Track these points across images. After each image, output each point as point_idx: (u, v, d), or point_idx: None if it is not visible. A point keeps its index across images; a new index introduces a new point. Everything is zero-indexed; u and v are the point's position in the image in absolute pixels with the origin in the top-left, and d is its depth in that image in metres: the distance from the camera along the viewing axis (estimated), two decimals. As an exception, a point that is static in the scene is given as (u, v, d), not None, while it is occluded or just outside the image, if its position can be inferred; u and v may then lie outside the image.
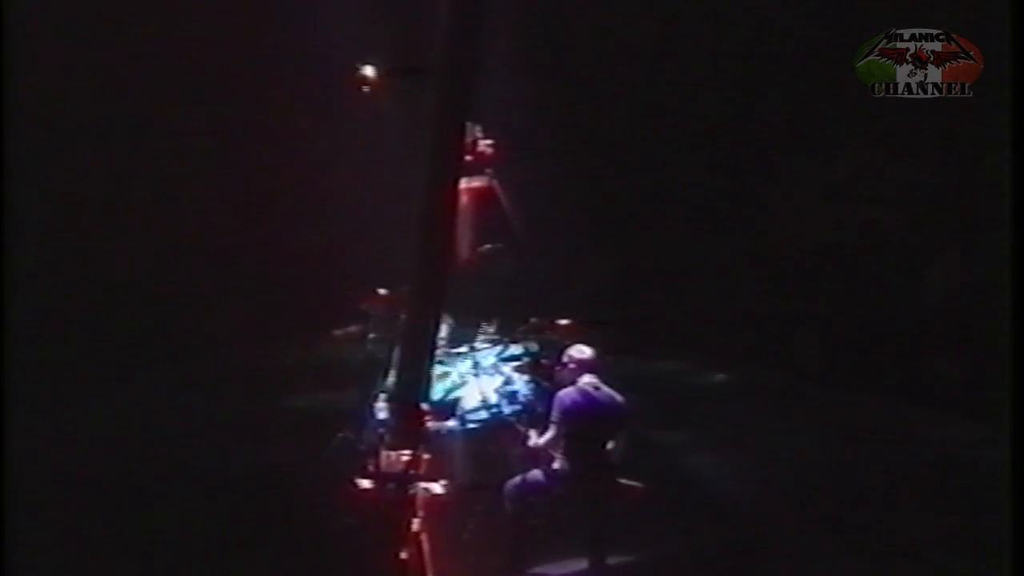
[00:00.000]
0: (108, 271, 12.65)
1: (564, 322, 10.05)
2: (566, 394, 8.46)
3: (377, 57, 10.22)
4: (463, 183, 8.96)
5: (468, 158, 9.22)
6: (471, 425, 9.36)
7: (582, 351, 8.63)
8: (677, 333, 13.00)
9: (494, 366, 9.90)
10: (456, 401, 9.51)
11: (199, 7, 13.05)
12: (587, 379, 8.48)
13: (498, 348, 10.12)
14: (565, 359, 8.66)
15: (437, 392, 9.19)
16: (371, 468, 7.99)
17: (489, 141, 9.90)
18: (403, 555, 7.54)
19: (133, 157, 13.14)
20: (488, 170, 10.15)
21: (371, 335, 10.58)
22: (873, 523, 9.00)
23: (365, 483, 7.89)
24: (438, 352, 8.87)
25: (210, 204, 13.49)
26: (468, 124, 8.69)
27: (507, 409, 9.44)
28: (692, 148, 13.43)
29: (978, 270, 11.66)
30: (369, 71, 10.14)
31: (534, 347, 10.10)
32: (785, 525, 9.14)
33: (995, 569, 7.62)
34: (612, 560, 8.32)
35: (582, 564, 8.33)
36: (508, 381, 9.72)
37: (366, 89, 10.15)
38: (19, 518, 7.71)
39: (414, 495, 7.81)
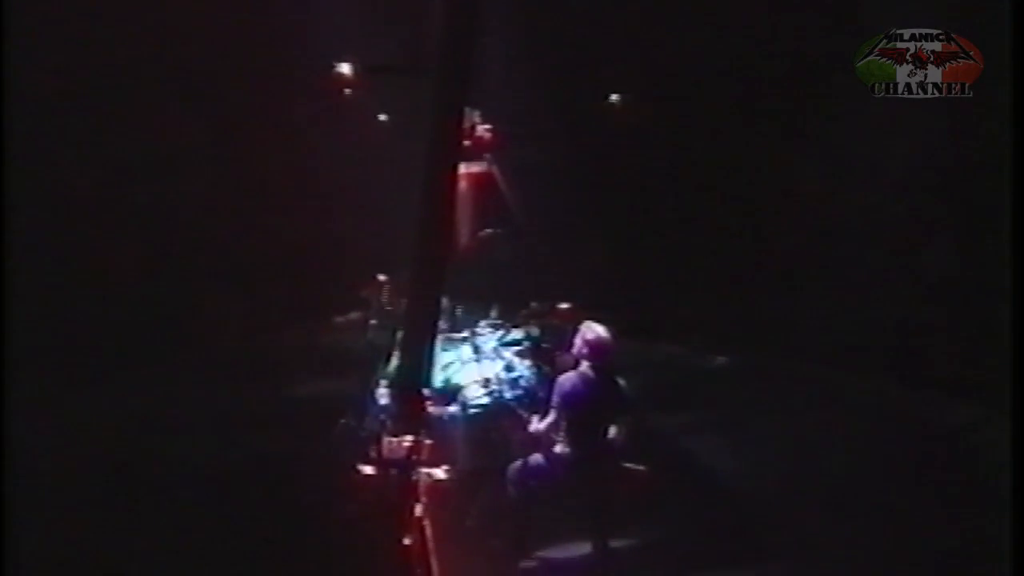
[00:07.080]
0: (107, 262, 12.64)
1: (565, 306, 10.06)
2: (566, 379, 8.41)
3: (358, 54, 10.27)
4: (462, 168, 8.96)
5: (467, 143, 9.23)
6: (473, 410, 9.36)
7: (596, 330, 8.38)
8: (677, 317, 13.03)
9: (495, 351, 9.91)
10: (457, 386, 9.53)
11: (196, 4, 13.03)
12: (589, 363, 8.45)
13: (499, 333, 10.13)
14: (577, 338, 8.45)
15: (438, 378, 9.22)
16: (373, 454, 7.99)
17: (488, 126, 9.92)
18: (406, 541, 7.55)
19: (132, 149, 13.13)
20: (487, 155, 10.18)
21: (372, 322, 10.61)
22: (872, 504, 9.02)
23: (368, 469, 7.89)
24: (439, 338, 8.88)
25: (209, 195, 13.49)
26: (467, 109, 8.69)
27: (508, 394, 9.44)
28: (693, 132, 13.43)
29: (977, 257, 11.66)
30: (346, 68, 10.21)
31: (535, 332, 10.11)
32: (786, 507, 9.17)
33: (994, 547, 7.65)
34: (615, 544, 8.35)
35: (585, 548, 8.34)
36: (509, 366, 9.73)
37: (348, 91, 10.20)
38: (19, 511, 7.72)
39: (417, 481, 7.82)
